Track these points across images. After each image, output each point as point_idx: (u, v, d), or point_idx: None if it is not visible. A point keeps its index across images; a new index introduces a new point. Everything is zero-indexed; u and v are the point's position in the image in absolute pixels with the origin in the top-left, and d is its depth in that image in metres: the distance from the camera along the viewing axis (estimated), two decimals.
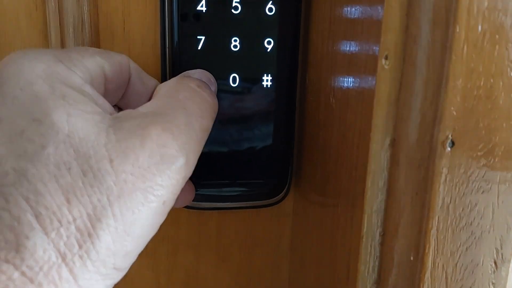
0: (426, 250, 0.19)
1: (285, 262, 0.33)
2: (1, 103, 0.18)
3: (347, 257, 0.22)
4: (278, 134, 0.29)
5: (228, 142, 0.29)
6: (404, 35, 0.18)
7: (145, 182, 0.18)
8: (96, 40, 0.27)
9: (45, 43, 0.28)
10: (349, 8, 0.22)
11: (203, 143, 0.21)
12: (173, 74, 0.27)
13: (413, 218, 0.19)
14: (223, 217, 0.32)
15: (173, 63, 0.27)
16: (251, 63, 0.28)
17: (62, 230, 0.16)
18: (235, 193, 0.30)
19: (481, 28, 0.17)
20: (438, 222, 0.19)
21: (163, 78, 0.28)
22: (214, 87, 0.26)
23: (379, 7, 0.18)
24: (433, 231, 0.19)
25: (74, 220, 0.17)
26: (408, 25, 0.18)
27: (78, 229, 0.17)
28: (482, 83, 0.17)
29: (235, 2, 0.27)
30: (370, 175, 0.19)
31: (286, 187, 0.30)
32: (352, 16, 0.22)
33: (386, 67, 0.18)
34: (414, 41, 0.18)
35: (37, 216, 0.16)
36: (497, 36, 0.17)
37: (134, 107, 0.25)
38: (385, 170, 0.19)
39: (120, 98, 0.25)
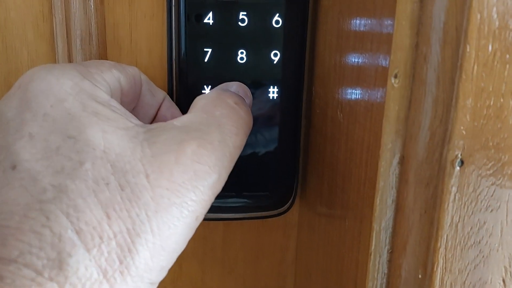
0: (434, 268, 0.19)
1: (290, 273, 0.33)
2: (31, 119, 0.18)
3: (355, 272, 0.22)
4: (283, 145, 0.29)
5: None
6: (414, 53, 0.18)
7: (180, 197, 0.18)
8: (103, 52, 0.27)
9: (52, 54, 0.28)
10: (357, 23, 0.22)
11: (235, 160, 0.21)
12: (180, 85, 0.28)
13: (422, 236, 0.19)
14: (229, 228, 0.32)
15: (180, 75, 0.28)
16: (257, 75, 0.28)
17: (103, 246, 0.16)
18: (240, 204, 0.30)
19: (492, 47, 0.17)
20: (446, 241, 0.18)
21: (170, 90, 0.28)
22: (249, 100, 0.26)
23: (389, 25, 0.18)
24: (442, 249, 0.19)
25: (115, 235, 0.17)
26: (418, 43, 0.18)
27: (118, 244, 0.17)
28: (492, 103, 0.17)
29: (242, 14, 0.27)
30: (379, 192, 0.19)
31: (292, 198, 0.30)
32: (361, 31, 0.22)
33: (395, 85, 0.18)
34: (424, 59, 0.18)
35: (78, 232, 0.16)
36: (507, 56, 0.17)
37: (142, 118, 0.26)
38: (394, 188, 0.19)
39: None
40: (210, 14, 0.26)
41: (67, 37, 0.27)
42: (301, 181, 0.31)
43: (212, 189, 0.19)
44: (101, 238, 0.16)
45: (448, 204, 0.18)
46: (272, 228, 0.33)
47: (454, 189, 0.18)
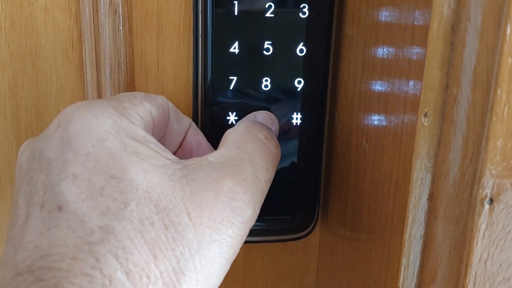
0: None
1: None
2: (74, 159, 0.18)
3: None
4: (305, 170, 0.30)
5: None
6: (444, 94, 0.18)
7: (220, 234, 0.18)
8: (131, 80, 0.28)
9: (81, 81, 0.29)
10: (384, 55, 0.22)
11: (266, 193, 0.22)
12: (205, 112, 0.28)
13: (450, 272, 0.19)
14: (250, 250, 0.33)
15: (205, 102, 0.28)
16: (281, 102, 0.28)
17: (150, 286, 0.17)
18: (262, 228, 0.31)
19: None
20: (475, 277, 0.19)
21: (195, 116, 0.29)
22: (276, 128, 0.26)
23: (419, 66, 0.18)
24: (470, 285, 0.19)
25: (161, 274, 0.17)
26: (448, 84, 0.18)
27: (165, 283, 0.17)
28: None
29: (267, 43, 0.27)
30: (408, 227, 0.19)
31: (313, 222, 0.31)
32: (388, 63, 0.22)
33: (425, 123, 0.18)
34: (454, 100, 0.18)
35: (127, 273, 0.16)
36: None
37: (170, 145, 0.26)
38: (423, 224, 0.19)
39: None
40: (236, 44, 0.27)
41: (96, 65, 0.28)
42: (322, 204, 0.31)
43: (247, 224, 0.20)
44: (148, 278, 0.17)
45: (477, 242, 0.18)
46: (293, 251, 0.33)
47: (483, 226, 0.18)
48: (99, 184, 0.18)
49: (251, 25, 0.27)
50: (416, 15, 0.19)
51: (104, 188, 0.18)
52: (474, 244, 0.18)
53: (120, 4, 0.26)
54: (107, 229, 0.17)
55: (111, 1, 0.26)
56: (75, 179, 0.18)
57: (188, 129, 0.27)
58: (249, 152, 0.21)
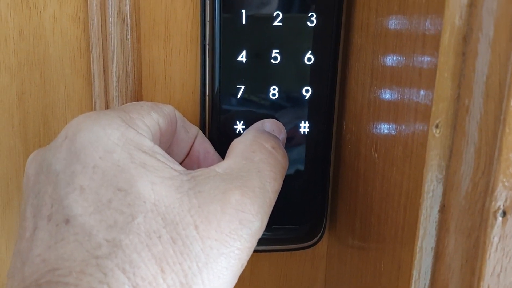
0: None
1: None
2: (81, 172, 0.18)
3: None
4: (313, 179, 0.30)
5: None
6: (456, 105, 0.18)
7: (228, 247, 0.18)
8: (138, 88, 0.28)
9: (88, 89, 0.29)
10: (394, 65, 0.22)
11: (273, 204, 0.22)
12: (213, 121, 0.28)
13: (462, 285, 0.19)
14: (257, 259, 0.33)
15: (212, 110, 0.28)
16: (289, 110, 0.28)
17: None
18: (270, 237, 0.30)
19: None
20: None
21: (202, 124, 0.29)
22: (283, 136, 0.26)
23: (430, 76, 0.18)
24: None
25: None
26: (460, 95, 0.18)
27: None
28: None
29: (275, 52, 0.27)
30: (419, 239, 0.19)
31: (321, 232, 0.30)
32: (398, 73, 0.22)
33: (437, 135, 0.18)
34: (466, 111, 0.18)
35: (135, 287, 0.16)
36: None
37: (177, 154, 0.26)
38: (434, 236, 0.19)
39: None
40: (244, 52, 0.27)
41: (104, 73, 0.28)
42: (330, 213, 0.31)
43: (255, 236, 0.20)
44: None
45: (490, 254, 0.18)
46: (300, 260, 0.33)
47: (496, 239, 0.18)
48: (107, 197, 0.18)
49: (259, 34, 0.27)
50: (426, 24, 0.19)
51: (111, 201, 0.18)
52: (487, 257, 0.18)
53: (128, 13, 0.27)
54: (115, 243, 0.17)
55: (119, 10, 0.26)
56: (82, 192, 0.18)
57: (195, 138, 0.27)
58: (257, 163, 0.21)
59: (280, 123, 0.27)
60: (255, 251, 0.31)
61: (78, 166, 0.18)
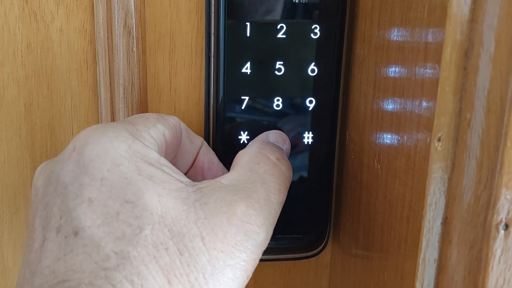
0: None
1: None
2: (89, 184, 0.19)
3: None
4: (317, 189, 0.30)
5: None
6: (458, 118, 0.18)
7: (234, 258, 0.19)
8: (144, 100, 0.28)
9: (95, 101, 0.29)
10: (396, 77, 0.22)
11: (278, 215, 0.22)
12: (217, 132, 0.28)
13: None
14: (261, 268, 0.33)
15: (217, 121, 0.28)
16: (293, 121, 0.28)
17: None
18: (274, 246, 0.31)
19: None
20: None
21: (207, 135, 0.29)
22: (287, 147, 0.26)
23: (432, 90, 0.18)
24: None
25: None
26: (461, 109, 0.18)
27: None
28: None
29: (279, 64, 0.27)
30: (422, 251, 0.19)
31: (325, 241, 0.31)
32: (400, 84, 0.22)
33: (439, 148, 0.18)
34: (468, 125, 0.18)
35: None
36: None
37: (182, 164, 0.26)
38: (437, 248, 0.19)
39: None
40: (248, 64, 0.27)
41: (110, 85, 0.28)
42: (334, 223, 0.31)
43: (261, 247, 0.20)
44: None
45: (492, 267, 0.18)
46: (304, 268, 0.33)
47: (498, 252, 0.18)
48: (115, 209, 0.18)
49: (263, 46, 0.27)
50: (428, 38, 0.19)
51: (119, 213, 0.18)
52: (490, 269, 0.18)
53: (134, 26, 0.27)
54: (123, 255, 0.17)
55: (125, 23, 0.27)
56: (91, 204, 0.18)
57: (200, 149, 0.27)
58: (261, 174, 0.22)
59: (284, 134, 0.27)
60: (259, 260, 0.32)
61: (86, 178, 0.19)
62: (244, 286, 0.20)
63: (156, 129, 0.22)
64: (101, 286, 0.16)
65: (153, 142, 0.21)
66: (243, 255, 0.19)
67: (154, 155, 0.20)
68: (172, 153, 0.25)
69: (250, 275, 0.20)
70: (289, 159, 0.29)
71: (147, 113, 0.26)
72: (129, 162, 0.19)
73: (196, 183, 0.20)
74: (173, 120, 0.25)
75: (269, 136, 0.26)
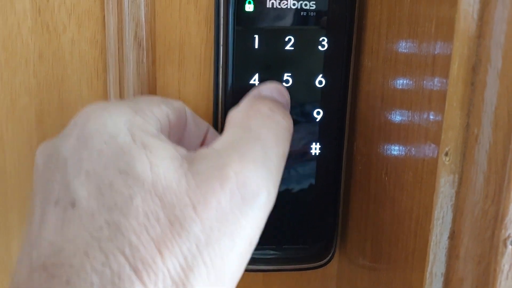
0: None
1: None
2: (87, 158, 0.18)
3: None
4: (324, 199, 0.30)
5: (274, 208, 0.30)
6: (465, 133, 0.18)
7: (230, 226, 0.18)
8: None
9: None
10: (403, 92, 0.23)
11: (281, 170, 0.20)
12: None
13: None
14: (267, 279, 0.33)
15: None
16: (300, 132, 0.29)
17: (159, 283, 0.16)
18: (280, 257, 0.31)
19: None
20: None
21: None
22: (285, 100, 0.25)
23: (440, 105, 0.19)
24: None
25: (169, 272, 0.16)
26: (469, 123, 0.18)
27: (173, 280, 0.16)
28: None
29: (286, 75, 0.28)
30: (429, 265, 0.19)
31: (332, 252, 0.31)
32: (408, 97, 0.22)
33: (446, 162, 0.19)
34: (475, 140, 0.18)
35: (135, 271, 0.16)
36: None
37: (188, 147, 0.26)
38: (444, 262, 0.19)
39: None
40: (256, 76, 0.27)
41: (120, 95, 0.28)
42: (341, 233, 0.31)
43: (262, 209, 0.19)
44: (156, 275, 0.16)
45: (500, 282, 0.18)
46: (311, 279, 0.33)
47: (506, 267, 0.18)
48: (109, 180, 0.18)
49: (271, 58, 0.27)
50: (436, 53, 0.19)
51: (112, 183, 0.17)
52: (497, 284, 0.18)
53: (144, 38, 0.27)
54: (115, 225, 0.17)
55: (135, 35, 0.27)
56: (88, 176, 0.18)
57: (206, 133, 0.27)
58: (254, 130, 0.20)
59: (281, 84, 0.26)
60: (265, 270, 0.32)
61: (85, 152, 0.18)
62: (248, 254, 0.19)
63: (159, 109, 0.22)
64: (95, 257, 0.16)
65: (155, 120, 0.21)
66: (241, 220, 0.18)
67: (153, 130, 0.20)
68: (177, 135, 0.24)
69: (255, 241, 0.19)
70: (295, 169, 0.29)
71: (152, 95, 0.26)
72: (126, 133, 0.19)
73: (191, 152, 0.19)
74: (178, 103, 0.24)
75: (261, 89, 0.25)
